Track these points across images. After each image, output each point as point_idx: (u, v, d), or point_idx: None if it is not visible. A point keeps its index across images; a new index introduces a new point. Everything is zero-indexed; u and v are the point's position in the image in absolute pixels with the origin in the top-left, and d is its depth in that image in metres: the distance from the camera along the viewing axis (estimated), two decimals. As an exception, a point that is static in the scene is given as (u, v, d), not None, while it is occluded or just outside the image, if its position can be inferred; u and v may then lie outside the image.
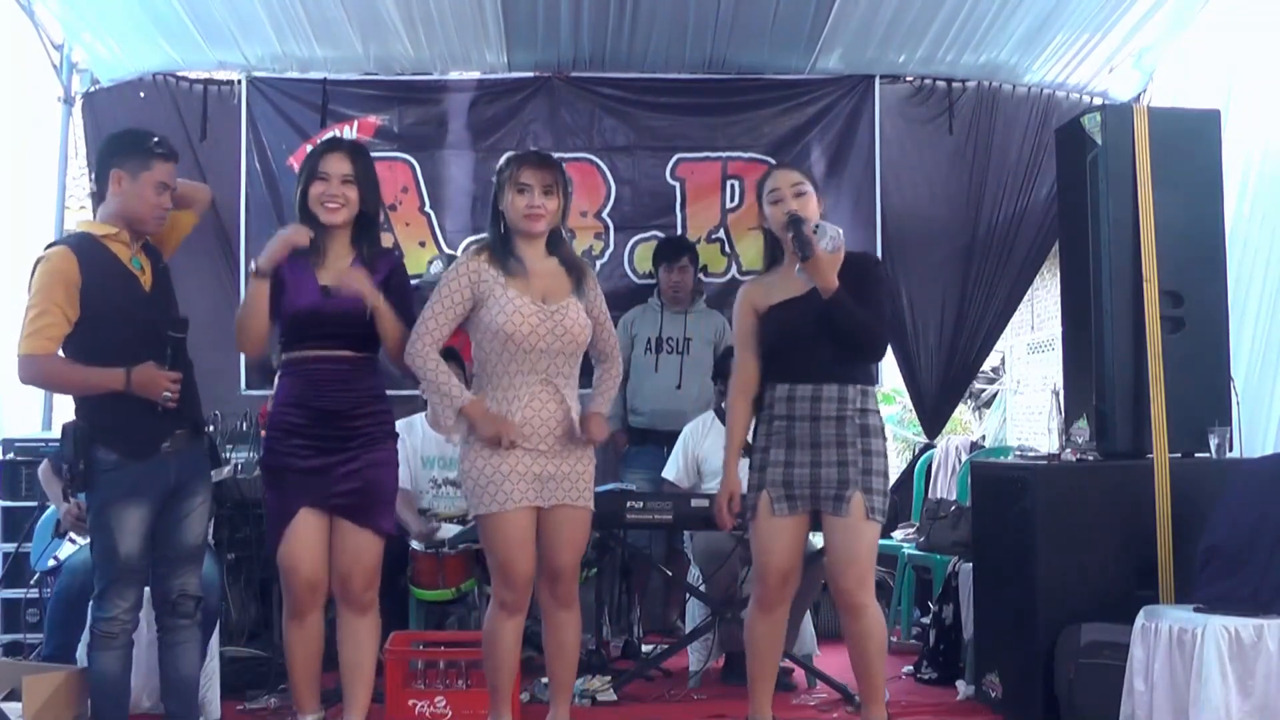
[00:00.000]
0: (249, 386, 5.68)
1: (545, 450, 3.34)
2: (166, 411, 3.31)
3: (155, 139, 3.40)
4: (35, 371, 3.28)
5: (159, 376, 3.26)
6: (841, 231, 3.38)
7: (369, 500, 3.38)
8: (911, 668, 4.84)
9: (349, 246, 3.46)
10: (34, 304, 3.23)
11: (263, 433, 4.75)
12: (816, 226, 3.36)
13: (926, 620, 5.00)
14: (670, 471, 4.93)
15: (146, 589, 3.43)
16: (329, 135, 5.61)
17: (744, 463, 3.63)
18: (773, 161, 5.89)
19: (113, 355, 3.25)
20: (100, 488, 3.29)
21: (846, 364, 3.43)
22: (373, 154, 5.78)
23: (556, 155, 5.65)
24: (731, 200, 5.93)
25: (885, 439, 3.50)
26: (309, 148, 5.74)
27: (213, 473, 3.60)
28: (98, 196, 3.44)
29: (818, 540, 3.67)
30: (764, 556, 3.47)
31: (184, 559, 3.40)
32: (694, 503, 4.33)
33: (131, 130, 3.55)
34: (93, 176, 3.55)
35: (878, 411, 3.49)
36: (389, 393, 5.08)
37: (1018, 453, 4.81)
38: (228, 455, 4.44)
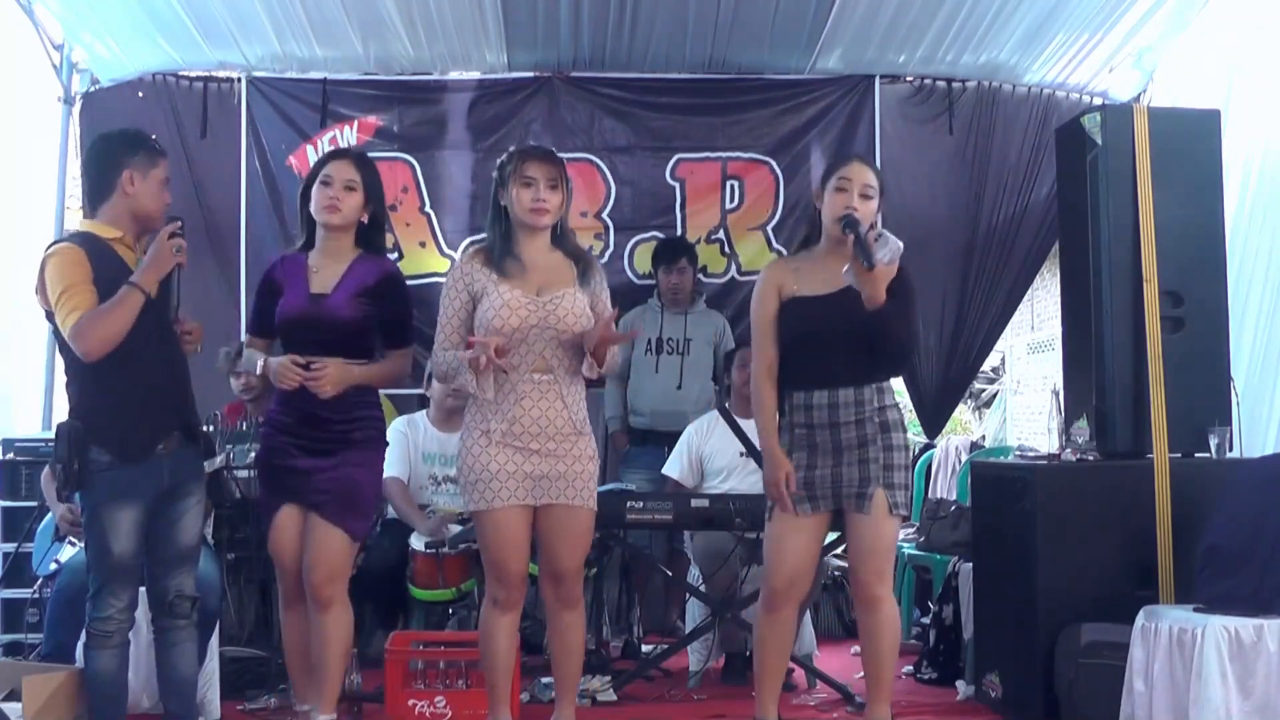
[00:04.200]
0: (252, 385, 5.71)
1: (538, 450, 3.33)
2: (167, 412, 3.32)
3: (154, 136, 3.48)
4: (83, 336, 3.19)
5: (162, 245, 3.25)
6: (901, 245, 3.26)
7: (342, 501, 3.44)
8: (911, 667, 4.83)
9: (350, 250, 3.54)
10: (58, 290, 3.20)
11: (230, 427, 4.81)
12: (879, 235, 3.26)
13: (927, 620, 5.01)
14: (672, 469, 4.93)
15: (143, 589, 3.44)
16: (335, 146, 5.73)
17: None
18: (772, 162, 5.93)
19: (129, 357, 3.24)
20: (94, 488, 3.29)
21: (863, 366, 3.39)
22: (373, 154, 5.82)
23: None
24: (731, 200, 5.94)
25: (905, 430, 3.49)
26: (309, 148, 5.80)
27: (205, 463, 3.61)
28: (96, 198, 3.39)
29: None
30: (775, 555, 3.47)
31: (178, 560, 3.41)
32: (694, 503, 4.34)
33: (129, 130, 3.54)
34: (90, 178, 3.44)
35: (896, 405, 3.46)
36: (392, 392, 5.09)
37: (1018, 453, 4.84)
38: (227, 452, 4.43)
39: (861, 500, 3.36)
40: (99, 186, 3.37)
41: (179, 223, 3.32)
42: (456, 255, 5.83)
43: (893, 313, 3.31)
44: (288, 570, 3.52)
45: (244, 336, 3.75)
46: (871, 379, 3.40)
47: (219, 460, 4.29)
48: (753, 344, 3.61)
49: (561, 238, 3.49)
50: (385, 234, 3.65)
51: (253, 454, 4.46)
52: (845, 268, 3.31)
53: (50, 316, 3.31)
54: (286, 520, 3.48)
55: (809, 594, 4.48)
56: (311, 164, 5.77)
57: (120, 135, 3.47)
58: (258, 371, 3.51)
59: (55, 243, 3.36)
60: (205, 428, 3.77)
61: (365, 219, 3.54)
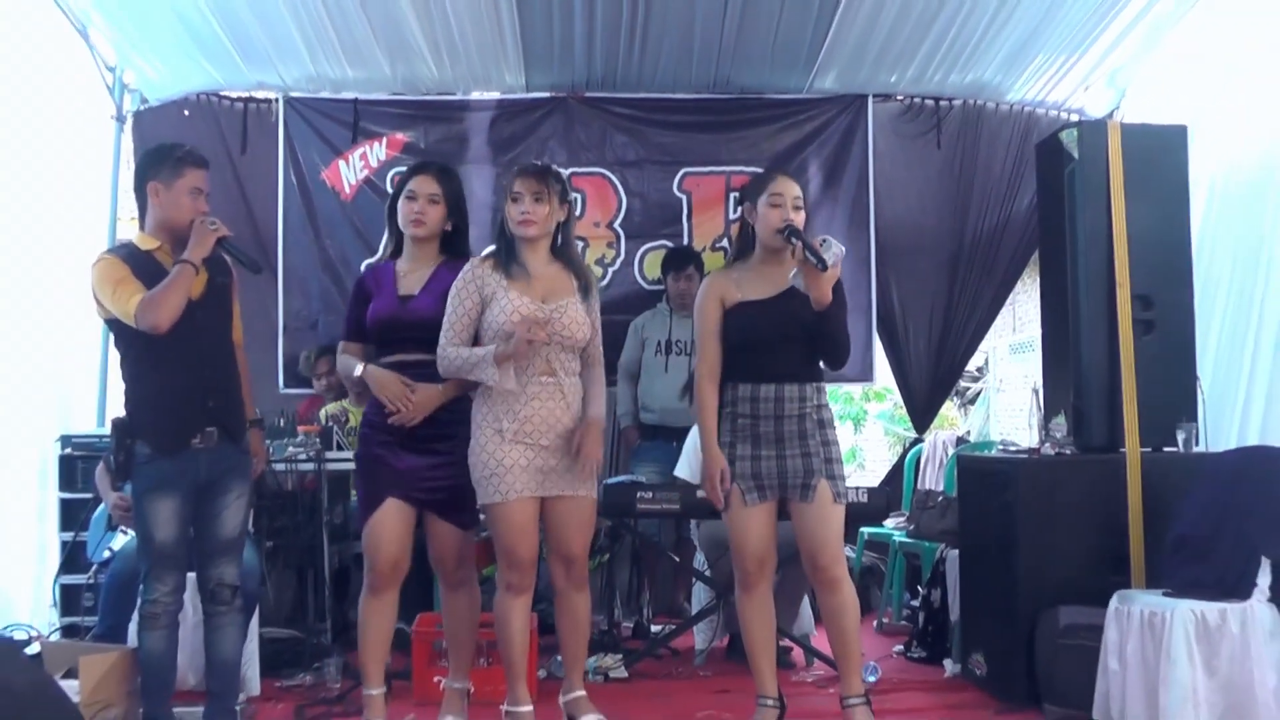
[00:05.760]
0: (286, 385, 5.87)
1: (547, 445, 3.47)
2: (197, 410, 3.46)
3: (184, 149, 3.51)
4: (151, 310, 3.29)
5: (199, 226, 3.38)
6: (844, 249, 3.43)
7: (454, 498, 3.58)
8: (902, 647, 5.00)
9: (436, 256, 3.67)
10: (109, 289, 3.34)
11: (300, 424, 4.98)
12: (823, 240, 3.40)
13: (916, 603, 5.13)
14: (682, 471, 4.87)
15: (192, 574, 3.58)
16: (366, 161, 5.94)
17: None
18: (774, 174, 6.15)
19: (162, 358, 3.40)
20: (137, 479, 3.45)
21: (806, 364, 3.56)
22: (397, 169, 5.90)
23: (572, 169, 5.76)
24: (735, 211, 5.99)
25: (836, 428, 3.62)
26: (341, 163, 5.97)
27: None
28: (141, 212, 3.54)
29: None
30: (740, 543, 3.60)
31: (220, 550, 3.54)
32: (700, 493, 4.40)
33: (160, 145, 3.63)
34: (134, 194, 3.56)
35: (829, 405, 3.61)
36: None
37: (1001, 447, 4.84)
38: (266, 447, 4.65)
39: (807, 490, 3.48)
40: (139, 201, 3.55)
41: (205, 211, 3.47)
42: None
43: (839, 313, 3.48)
44: (381, 560, 3.55)
45: (334, 343, 3.88)
46: (813, 377, 3.55)
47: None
48: (698, 350, 3.70)
49: (561, 249, 3.59)
50: (466, 240, 3.73)
51: (289, 448, 4.65)
52: (793, 272, 3.42)
53: (110, 323, 3.49)
54: (390, 513, 3.54)
55: (807, 579, 4.73)
56: (344, 178, 5.95)
57: (151, 151, 3.61)
58: (355, 375, 3.62)
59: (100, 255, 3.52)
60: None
61: (449, 228, 3.65)
